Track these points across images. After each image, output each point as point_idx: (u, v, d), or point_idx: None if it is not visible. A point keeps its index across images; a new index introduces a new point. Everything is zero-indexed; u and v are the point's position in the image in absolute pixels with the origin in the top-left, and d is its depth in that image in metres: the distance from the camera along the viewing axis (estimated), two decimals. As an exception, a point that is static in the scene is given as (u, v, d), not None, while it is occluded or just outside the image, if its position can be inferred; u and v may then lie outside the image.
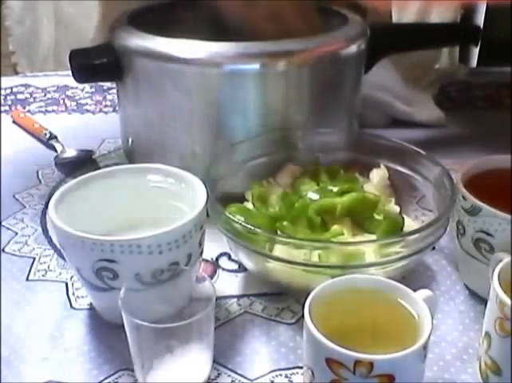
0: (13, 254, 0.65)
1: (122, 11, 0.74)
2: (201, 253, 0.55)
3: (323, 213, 0.59)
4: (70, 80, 0.70)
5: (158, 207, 0.58)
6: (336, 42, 0.68)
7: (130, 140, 0.74)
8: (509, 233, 0.53)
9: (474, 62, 0.88)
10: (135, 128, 0.73)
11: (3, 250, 0.66)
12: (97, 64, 0.67)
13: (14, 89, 1.05)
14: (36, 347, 0.54)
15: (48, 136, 0.87)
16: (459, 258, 0.60)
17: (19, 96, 1.02)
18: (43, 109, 0.98)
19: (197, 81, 0.65)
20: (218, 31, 0.70)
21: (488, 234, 0.54)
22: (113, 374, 0.51)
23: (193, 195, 0.55)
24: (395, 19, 0.88)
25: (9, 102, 1.00)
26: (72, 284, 0.61)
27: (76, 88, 1.04)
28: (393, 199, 0.65)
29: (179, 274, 0.51)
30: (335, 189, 0.62)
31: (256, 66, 0.64)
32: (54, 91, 1.04)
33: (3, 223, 0.70)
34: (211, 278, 0.62)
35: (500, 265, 0.48)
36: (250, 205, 0.62)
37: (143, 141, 0.72)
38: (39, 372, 0.51)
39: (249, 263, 0.59)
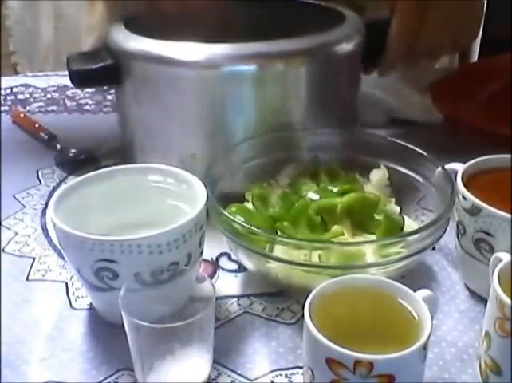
0: (13, 254, 0.65)
1: (122, 11, 0.74)
2: (201, 253, 0.55)
3: (323, 213, 0.59)
4: (70, 81, 0.70)
5: (158, 207, 0.58)
6: (333, 41, 0.68)
7: (130, 141, 0.74)
8: (509, 233, 0.53)
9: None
10: (134, 129, 0.73)
11: (3, 250, 0.66)
12: (95, 68, 0.67)
13: (14, 89, 1.04)
14: (36, 347, 0.54)
15: (48, 136, 0.87)
16: (459, 258, 0.60)
17: (19, 96, 1.02)
18: (43, 109, 0.98)
19: (195, 83, 0.65)
20: (214, 33, 0.70)
21: (488, 234, 0.54)
22: (113, 374, 0.51)
23: (193, 195, 0.55)
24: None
25: (9, 102, 1.00)
26: (72, 284, 0.61)
27: (77, 88, 1.04)
28: (393, 199, 0.65)
29: (179, 274, 0.51)
30: (335, 189, 0.62)
31: (253, 67, 0.64)
32: (54, 91, 1.04)
33: (3, 223, 0.70)
34: (211, 278, 0.62)
35: (500, 265, 0.48)
36: (250, 205, 0.62)
37: (142, 142, 0.72)
38: (39, 372, 0.51)
39: (249, 263, 0.59)
